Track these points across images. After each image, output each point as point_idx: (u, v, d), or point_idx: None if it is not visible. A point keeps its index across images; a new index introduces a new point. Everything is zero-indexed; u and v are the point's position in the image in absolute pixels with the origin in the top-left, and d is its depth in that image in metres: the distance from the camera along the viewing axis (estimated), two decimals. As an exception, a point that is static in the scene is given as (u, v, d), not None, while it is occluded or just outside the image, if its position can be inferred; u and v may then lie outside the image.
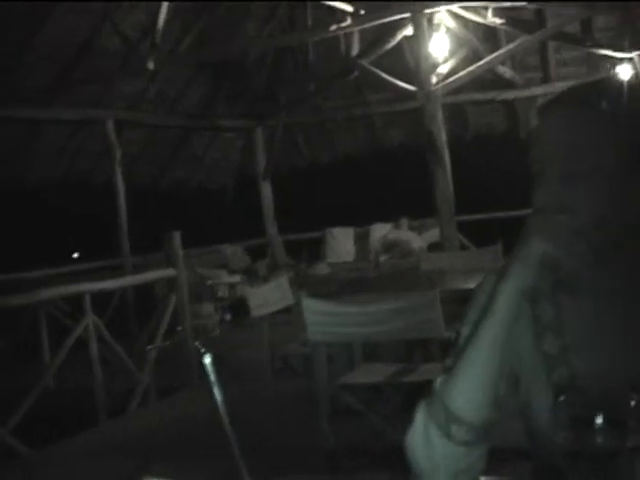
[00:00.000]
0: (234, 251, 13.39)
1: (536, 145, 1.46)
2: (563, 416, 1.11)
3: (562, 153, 1.41)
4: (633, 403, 1.07)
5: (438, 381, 1.45)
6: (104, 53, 11.05)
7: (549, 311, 1.47)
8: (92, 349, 7.24)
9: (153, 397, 7.67)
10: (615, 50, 11.78)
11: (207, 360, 1.57)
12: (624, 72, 11.57)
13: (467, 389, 1.40)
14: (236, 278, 12.09)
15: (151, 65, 10.28)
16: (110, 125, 11.55)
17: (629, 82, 1.47)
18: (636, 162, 1.37)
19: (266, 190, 14.39)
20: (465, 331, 1.50)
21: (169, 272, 8.37)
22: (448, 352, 1.53)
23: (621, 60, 11.74)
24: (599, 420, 1.07)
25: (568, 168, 1.39)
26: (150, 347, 7.86)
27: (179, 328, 8.30)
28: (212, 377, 1.57)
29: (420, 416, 1.44)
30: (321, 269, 12.11)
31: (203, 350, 1.55)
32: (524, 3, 10.27)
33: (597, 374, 1.34)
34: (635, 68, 11.64)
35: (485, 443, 1.43)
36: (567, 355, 1.44)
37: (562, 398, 1.13)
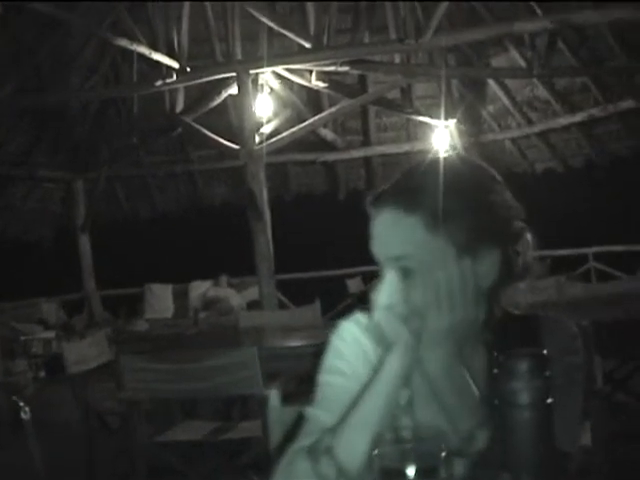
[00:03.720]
0: (50, 306, 13.03)
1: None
2: (376, 468, 1.16)
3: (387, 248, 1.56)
4: (443, 454, 1.13)
5: (324, 440, 1.54)
6: None
7: None
8: None
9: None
10: (433, 117, 12.28)
11: (26, 415, 1.55)
12: (440, 139, 12.05)
13: (360, 446, 1.50)
14: (51, 334, 11.73)
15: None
16: None
17: (452, 164, 1.59)
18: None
19: (84, 243, 14.08)
20: (326, 379, 1.66)
21: (-20, 326, 8.08)
22: (311, 401, 1.66)
23: (438, 127, 12.24)
24: (410, 471, 1.12)
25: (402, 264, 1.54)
26: None
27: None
28: (30, 432, 1.55)
29: (302, 469, 1.52)
30: (139, 325, 11.92)
31: (22, 404, 1.54)
32: (346, 68, 10.55)
33: (417, 427, 1.43)
34: (451, 135, 12.16)
35: None
36: (411, 407, 1.53)
37: (376, 451, 1.18)
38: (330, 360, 1.68)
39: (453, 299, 1.49)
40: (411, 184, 1.56)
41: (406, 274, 1.52)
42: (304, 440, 1.60)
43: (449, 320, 1.49)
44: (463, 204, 1.52)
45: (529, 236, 1.59)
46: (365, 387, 1.54)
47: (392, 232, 1.54)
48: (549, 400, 0.96)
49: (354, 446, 1.50)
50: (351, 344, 1.67)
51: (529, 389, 0.95)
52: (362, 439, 1.49)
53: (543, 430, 0.95)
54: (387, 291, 1.53)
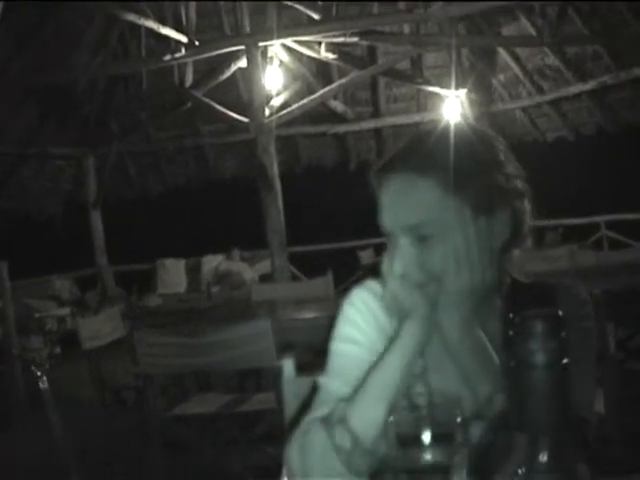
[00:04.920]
0: (62, 282, 13.06)
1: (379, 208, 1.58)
2: (392, 435, 1.15)
3: (403, 217, 1.53)
4: (459, 419, 1.12)
5: (339, 408, 1.53)
6: None
7: None
8: None
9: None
10: (443, 87, 12.22)
11: (44, 385, 1.55)
12: (451, 109, 11.99)
13: (376, 417, 1.48)
14: (65, 310, 11.78)
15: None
16: None
17: (456, 127, 1.58)
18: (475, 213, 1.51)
19: (96, 219, 14.09)
20: (338, 347, 1.65)
21: (-5, 303, 8.11)
22: (322, 368, 1.66)
23: (448, 97, 12.18)
24: (426, 437, 1.11)
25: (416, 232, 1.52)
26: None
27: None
28: (49, 401, 1.55)
29: (317, 439, 1.50)
30: (152, 300, 11.94)
31: (39, 374, 1.53)
32: (355, 39, 10.50)
33: (431, 393, 1.43)
34: (462, 105, 12.10)
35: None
36: (425, 374, 1.53)
37: (391, 418, 1.17)
38: (342, 327, 1.67)
39: (472, 259, 1.48)
40: (420, 148, 1.55)
41: (422, 240, 1.50)
42: (318, 410, 1.59)
43: (468, 280, 1.49)
44: (475, 163, 1.51)
45: (527, 202, 1.59)
46: (381, 356, 1.53)
47: (406, 199, 1.52)
48: (565, 360, 0.95)
49: (370, 416, 1.49)
50: (364, 311, 1.66)
51: (546, 349, 0.94)
52: (378, 409, 1.48)
53: (560, 391, 0.95)
54: (401, 260, 1.52)
